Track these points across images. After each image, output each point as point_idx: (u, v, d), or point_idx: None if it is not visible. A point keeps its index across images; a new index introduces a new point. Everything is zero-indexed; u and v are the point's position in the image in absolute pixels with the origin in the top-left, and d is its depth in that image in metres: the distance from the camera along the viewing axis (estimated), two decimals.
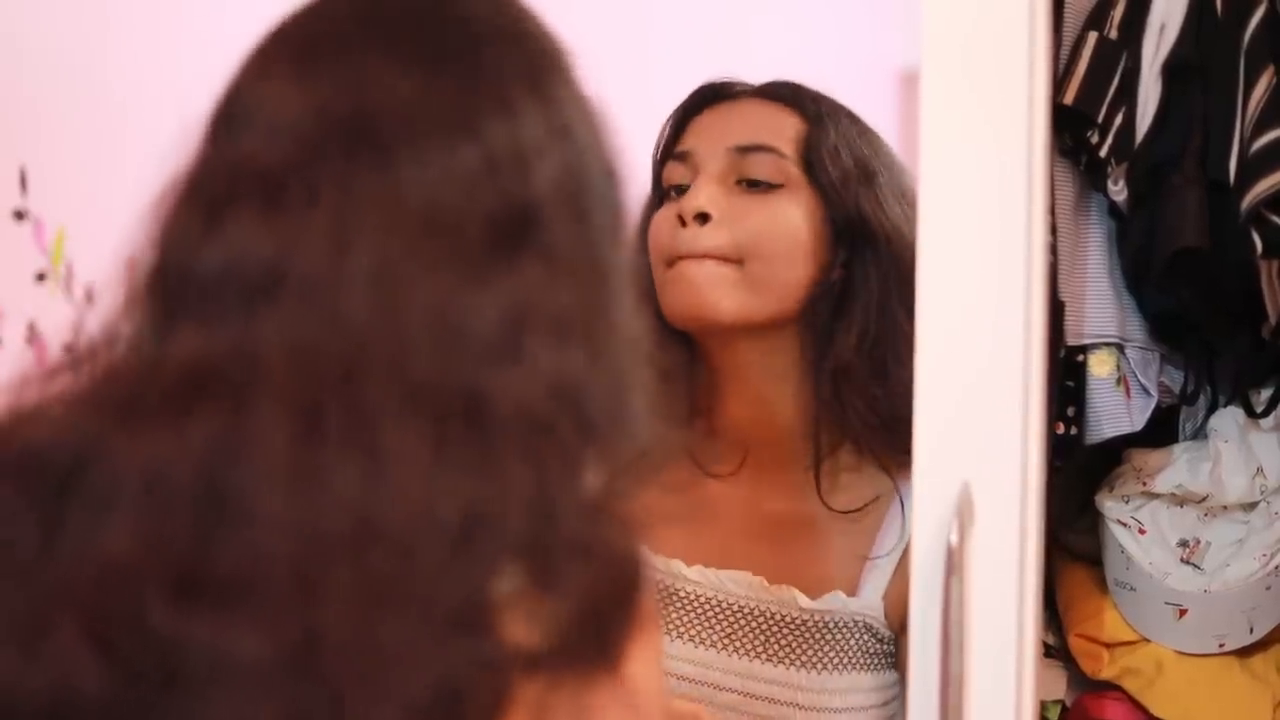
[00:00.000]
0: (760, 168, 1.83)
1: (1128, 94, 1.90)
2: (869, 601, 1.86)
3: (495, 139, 1.02)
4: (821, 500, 1.88)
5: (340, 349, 0.98)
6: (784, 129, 1.87)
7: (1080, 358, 1.95)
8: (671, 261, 1.82)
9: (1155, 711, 1.99)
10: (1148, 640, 1.99)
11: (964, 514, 1.52)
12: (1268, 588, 1.95)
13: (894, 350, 1.80)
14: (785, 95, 1.91)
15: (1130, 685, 2.00)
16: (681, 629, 1.85)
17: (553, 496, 1.00)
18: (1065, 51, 1.91)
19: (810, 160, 1.84)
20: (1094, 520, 2.04)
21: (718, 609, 1.85)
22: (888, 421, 1.82)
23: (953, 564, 1.51)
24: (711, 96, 1.93)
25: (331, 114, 1.01)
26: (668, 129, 1.93)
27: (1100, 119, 1.89)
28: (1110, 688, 2.02)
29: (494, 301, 0.99)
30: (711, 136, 1.87)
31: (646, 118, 2.10)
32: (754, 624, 1.85)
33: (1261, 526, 1.97)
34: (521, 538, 0.99)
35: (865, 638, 1.85)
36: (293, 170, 1.01)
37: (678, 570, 1.86)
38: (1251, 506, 1.98)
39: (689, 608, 1.86)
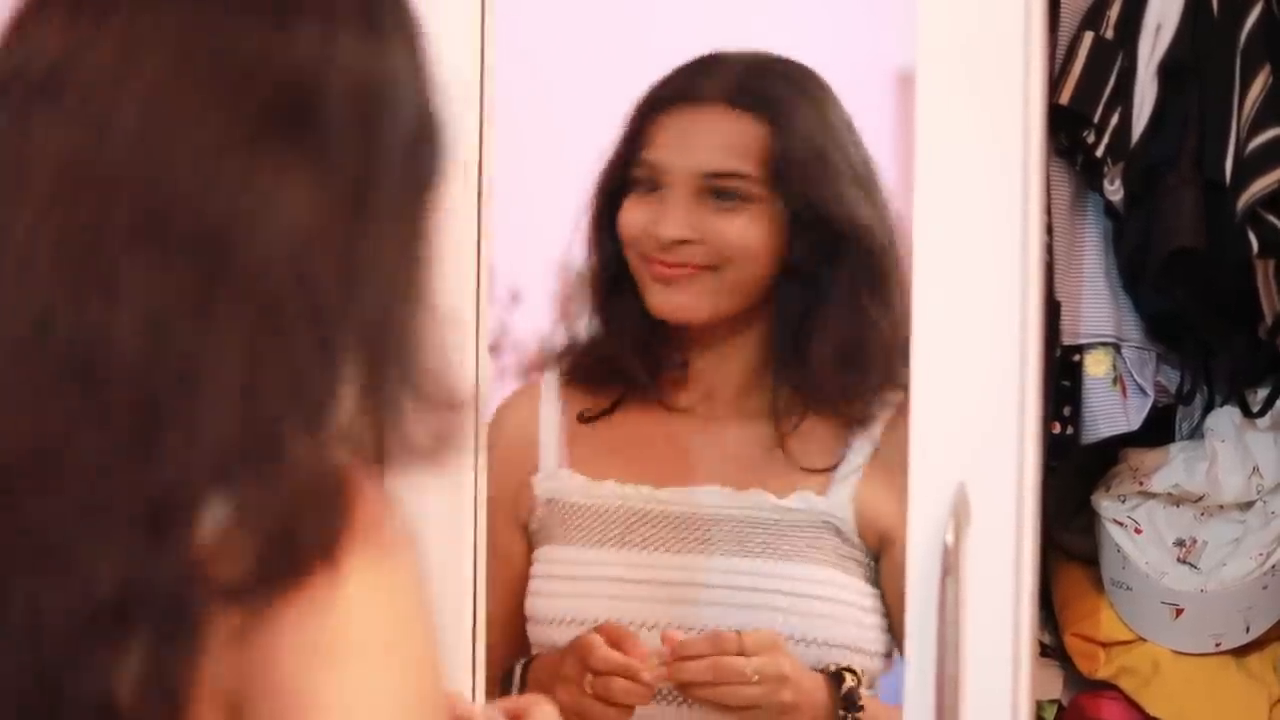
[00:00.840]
0: (728, 186, 1.93)
1: (1124, 94, 1.90)
2: (837, 502, 1.93)
3: (307, 29, 1.00)
4: (784, 453, 1.96)
5: (103, 169, 0.97)
6: (750, 145, 1.94)
7: (1076, 357, 1.95)
8: (648, 260, 1.94)
9: (1152, 711, 1.98)
10: (1144, 640, 1.99)
11: (960, 514, 1.52)
12: (1264, 587, 1.95)
13: (847, 321, 1.94)
14: (751, 102, 1.96)
15: (1127, 685, 2.00)
16: (658, 542, 1.94)
17: (262, 384, 0.98)
18: (1061, 51, 1.91)
19: (778, 176, 1.94)
20: (1090, 520, 2.04)
21: (691, 521, 1.94)
22: (842, 374, 1.94)
23: (949, 564, 1.51)
24: (679, 95, 1.97)
25: None
26: (633, 124, 1.99)
27: (1096, 119, 1.89)
28: (1107, 687, 2.01)
29: (257, 184, 0.98)
30: (680, 153, 1.95)
31: None
32: (728, 527, 1.93)
33: (1258, 526, 1.97)
34: (224, 420, 0.96)
35: (834, 539, 1.92)
36: None
37: (647, 494, 1.95)
38: (1248, 506, 1.98)
39: (663, 524, 1.94)
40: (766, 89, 1.97)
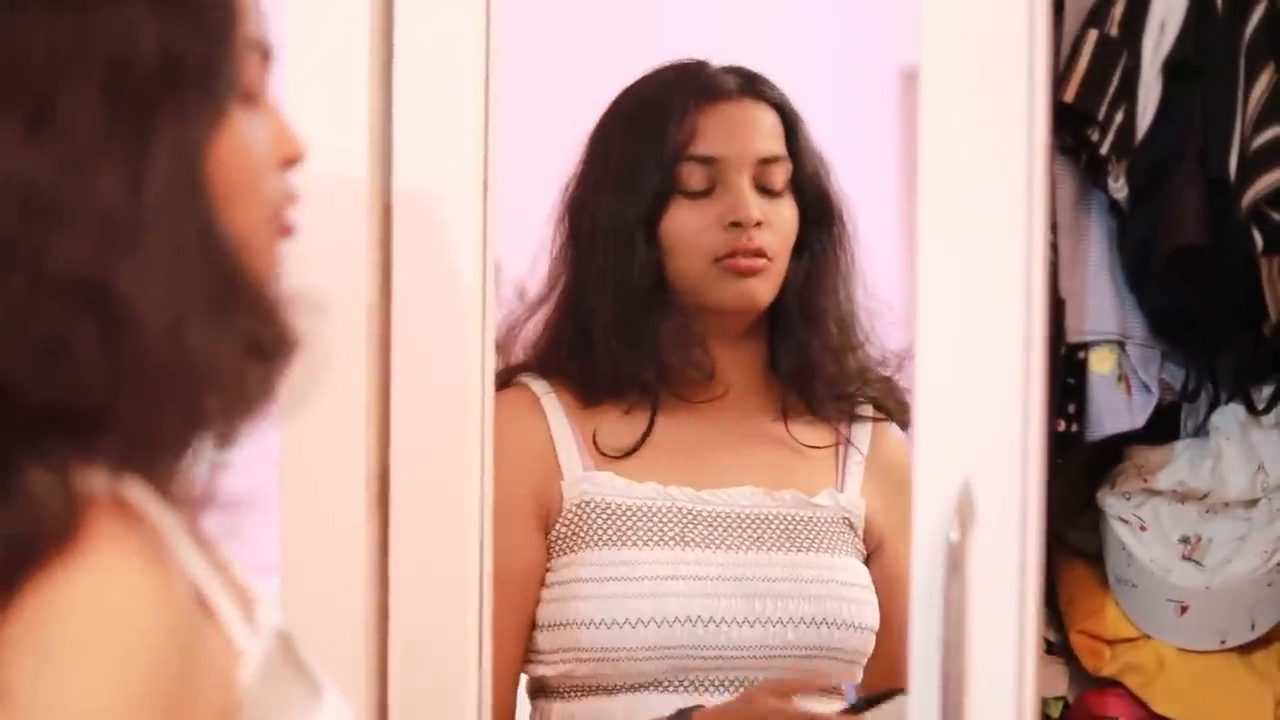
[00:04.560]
0: (777, 178, 1.99)
1: (1128, 92, 1.90)
2: (851, 500, 2.00)
3: None
4: (790, 434, 2.03)
5: None
6: (778, 134, 2.01)
7: (1081, 355, 1.95)
8: (720, 258, 1.96)
9: (1157, 708, 1.99)
10: (1149, 637, 1.99)
11: (965, 511, 1.52)
12: (1269, 584, 1.95)
13: (842, 313, 2.03)
14: (765, 93, 2.03)
15: (1132, 682, 2.00)
16: (716, 541, 1.96)
17: None
18: (1065, 49, 1.91)
19: (797, 162, 2.01)
20: (1095, 517, 2.04)
21: (738, 519, 1.98)
22: (825, 378, 2.01)
23: (954, 561, 1.51)
24: (707, 92, 2.01)
25: None
26: (677, 127, 2.00)
27: (1101, 117, 1.89)
28: (1112, 684, 2.02)
29: None
30: (734, 144, 1.99)
31: None
32: (774, 525, 1.98)
33: (1263, 523, 1.97)
34: None
35: (849, 532, 2.00)
36: None
37: (692, 495, 1.98)
38: (1253, 503, 1.98)
39: (715, 523, 1.97)
40: (767, 83, 2.04)
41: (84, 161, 0.95)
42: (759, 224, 1.95)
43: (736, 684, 1.92)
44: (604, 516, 1.94)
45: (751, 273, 1.95)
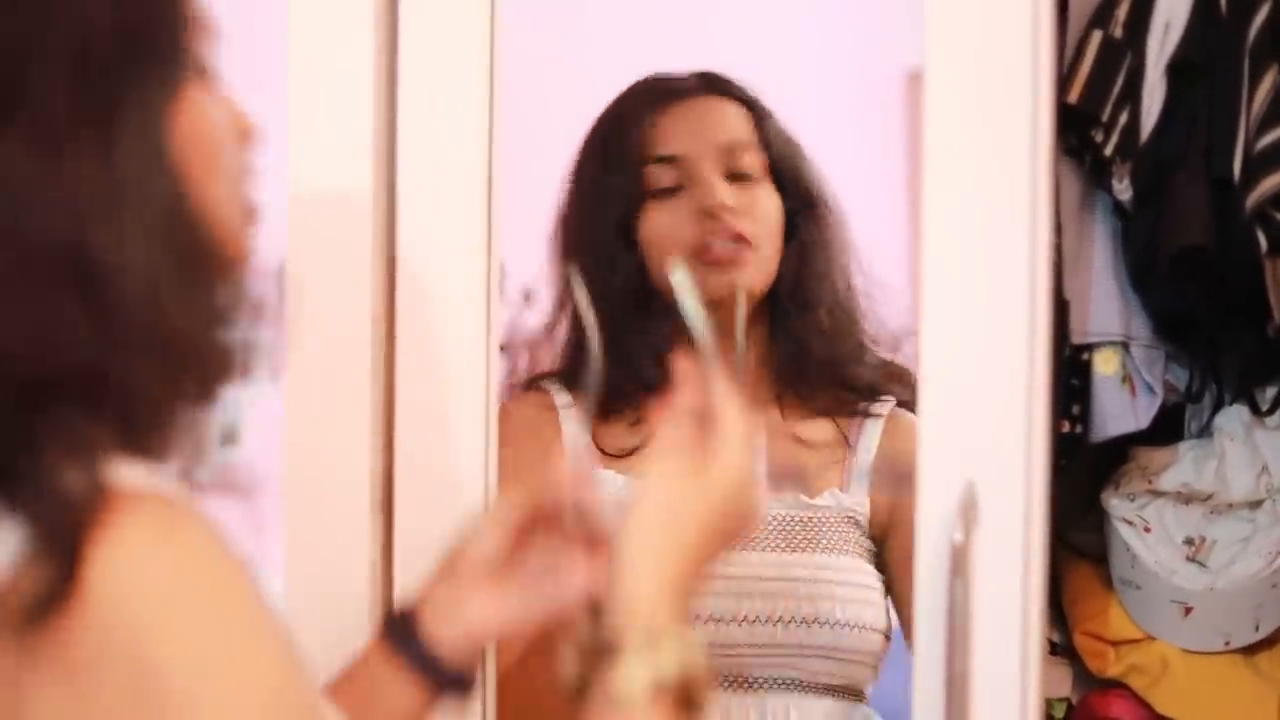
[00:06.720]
0: (745, 162, 2.00)
1: (1132, 93, 1.90)
2: (857, 499, 2.00)
3: None
4: (790, 431, 2.03)
5: None
6: (743, 123, 2.03)
7: (1085, 356, 1.95)
8: (698, 249, 1.96)
9: (1161, 709, 1.99)
10: (1153, 638, 1.99)
11: (969, 513, 1.52)
12: (1274, 585, 1.95)
13: (837, 300, 2.03)
14: (727, 89, 2.05)
15: (1136, 683, 2.00)
16: None
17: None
18: (1070, 51, 1.91)
19: (769, 149, 2.02)
20: (1099, 518, 2.05)
21: None
22: (818, 366, 2.01)
23: (958, 563, 1.51)
24: (664, 95, 2.04)
25: None
26: (637, 132, 2.03)
27: (1105, 118, 1.89)
28: (1116, 685, 2.02)
29: None
30: (693, 137, 2.01)
31: None
32: (772, 525, 1.98)
33: (1267, 524, 1.97)
34: None
35: (855, 531, 2.00)
36: None
37: None
38: (1257, 504, 1.98)
39: None
40: (729, 81, 2.05)
41: (57, 141, 0.97)
42: (732, 210, 1.95)
43: (721, 681, 1.92)
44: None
45: (730, 261, 1.95)
